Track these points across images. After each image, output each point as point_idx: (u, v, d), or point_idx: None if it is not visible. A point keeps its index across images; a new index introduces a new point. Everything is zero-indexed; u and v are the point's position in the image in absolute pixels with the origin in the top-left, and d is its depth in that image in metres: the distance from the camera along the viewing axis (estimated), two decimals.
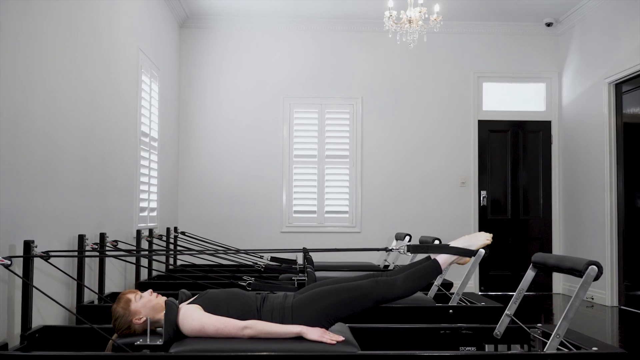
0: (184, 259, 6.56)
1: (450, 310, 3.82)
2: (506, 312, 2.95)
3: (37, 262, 3.36)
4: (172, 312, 2.67)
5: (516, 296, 2.95)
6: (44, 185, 3.64)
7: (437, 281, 4.37)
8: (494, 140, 8.13)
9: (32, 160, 3.48)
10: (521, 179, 8.14)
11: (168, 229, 6.68)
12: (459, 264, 3.17)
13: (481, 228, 7.98)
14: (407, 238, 6.40)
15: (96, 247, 4.32)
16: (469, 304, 3.99)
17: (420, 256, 5.81)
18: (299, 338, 2.65)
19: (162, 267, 6.45)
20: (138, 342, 2.64)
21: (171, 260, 6.79)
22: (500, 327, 2.97)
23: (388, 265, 6.65)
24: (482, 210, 8.03)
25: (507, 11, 7.70)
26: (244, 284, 4.27)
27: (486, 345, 3.21)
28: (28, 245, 3.23)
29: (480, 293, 7.83)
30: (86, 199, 4.37)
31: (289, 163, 7.84)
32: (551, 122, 8.10)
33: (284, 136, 7.89)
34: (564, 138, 7.96)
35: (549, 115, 8.12)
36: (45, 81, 3.68)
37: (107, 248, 4.47)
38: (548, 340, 2.64)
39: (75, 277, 4.05)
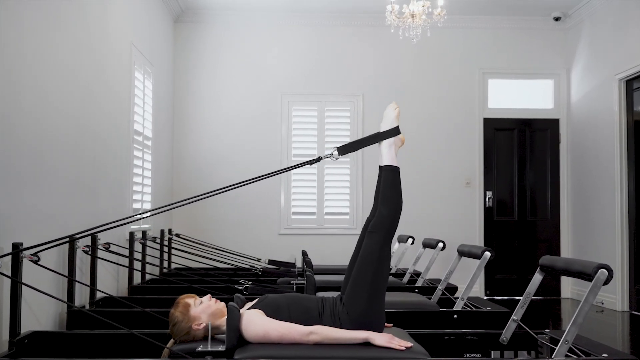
0: (178, 262, 6.56)
1: (455, 315, 3.82)
2: (513, 317, 2.95)
3: (26, 267, 3.35)
4: (234, 318, 2.66)
5: (523, 300, 2.95)
6: (33, 185, 3.63)
7: (441, 285, 4.37)
8: (500, 139, 8.13)
9: (21, 158, 3.48)
10: (528, 179, 8.14)
11: (162, 231, 6.68)
12: (400, 147, 3.20)
13: (487, 230, 7.98)
14: (410, 240, 6.41)
15: (87, 249, 4.32)
16: (474, 308, 3.99)
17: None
18: (366, 344, 2.62)
19: (156, 271, 6.44)
20: (199, 349, 2.63)
21: (165, 264, 6.78)
22: (507, 333, 2.97)
23: (390, 269, 6.64)
24: (487, 211, 8.03)
25: (514, 5, 7.70)
26: (241, 287, 4.26)
27: (492, 352, 3.21)
28: (17, 247, 3.23)
29: (485, 297, 7.83)
30: (77, 200, 4.36)
31: (287, 162, 7.83)
32: (559, 120, 8.10)
33: (282, 135, 7.88)
34: (573, 136, 7.96)
35: (557, 113, 8.11)
36: (35, 78, 3.67)
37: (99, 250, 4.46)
38: (556, 346, 2.63)
39: (66, 282, 4.05)
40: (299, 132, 7.90)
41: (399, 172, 3.07)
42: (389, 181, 3.05)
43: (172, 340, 2.83)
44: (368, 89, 8.01)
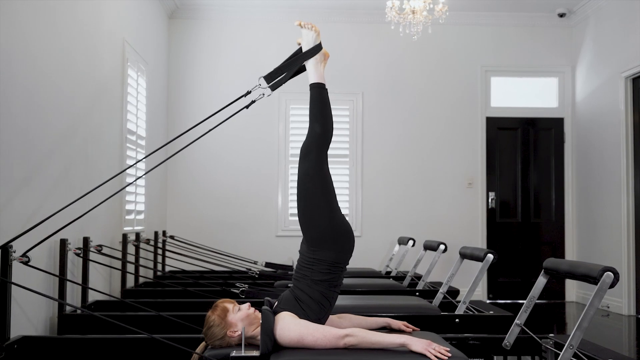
0: (173, 265, 6.55)
1: (457, 320, 3.81)
2: (516, 321, 2.95)
3: (16, 269, 3.34)
4: (269, 323, 2.67)
5: (527, 304, 2.94)
6: (22, 186, 3.63)
7: (443, 288, 4.36)
8: (502, 139, 8.13)
9: (9, 158, 3.47)
10: (532, 180, 8.14)
11: (156, 233, 6.67)
12: (325, 62, 3.23)
13: (490, 232, 7.98)
14: (411, 242, 6.41)
15: (79, 252, 4.31)
16: (476, 312, 3.98)
17: (424, 254, 5.78)
18: (403, 351, 2.59)
19: (150, 274, 6.43)
20: (233, 354, 2.64)
21: (159, 267, 6.77)
22: (510, 338, 2.96)
23: (390, 272, 6.65)
24: (490, 212, 8.03)
25: (517, 1, 7.70)
26: (237, 291, 4.25)
27: (495, 357, 3.21)
28: (6, 249, 3.22)
29: (488, 301, 7.83)
30: (68, 200, 4.35)
31: (285, 162, 7.83)
32: (564, 119, 8.10)
33: (279, 134, 7.88)
34: (578, 136, 7.96)
35: (562, 111, 8.12)
36: (25, 76, 3.67)
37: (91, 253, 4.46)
38: (561, 351, 2.63)
39: (57, 286, 4.04)
40: (296, 132, 7.90)
41: (325, 88, 3.15)
42: (317, 98, 3.13)
43: (202, 344, 2.84)
44: (367, 87, 8.01)
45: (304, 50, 3.18)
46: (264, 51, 7.92)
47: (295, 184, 2.98)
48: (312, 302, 2.80)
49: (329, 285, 2.84)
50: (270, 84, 3.18)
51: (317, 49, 3.16)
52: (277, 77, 3.18)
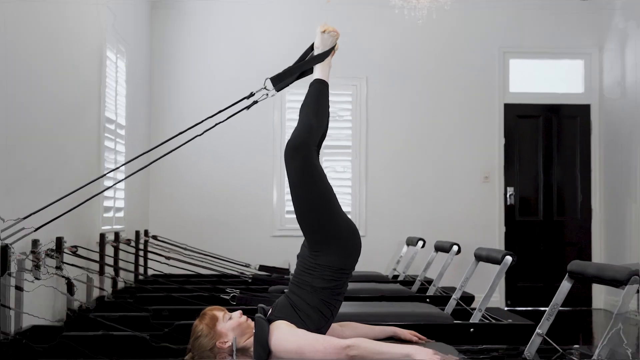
0: (156, 268, 6.54)
1: (472, 329, 3.82)
2: (537, 330, 2.95)
3: None
4: (263, 333, 2.67)
5: (549, 312, 2.94)
6: None
7: (456, 294, 4.36)
8: (522, 128, 8.12)
9: None
10: (555, 174, 8.13)
11: (137, 233, 6.66)
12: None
13: (508, 231, 7.97)
14: (421, 243, 6.40)
15: (52, 253, 4.29)
16: (493, 321, 3.99)
17: (433, 257, 5.76)
18: None
19: (131, 277, 6.42)
20: None
21: (141, 270, 6.76)
22: (531, 349, 2.96)
23: (398, 275, 6.65)
24: (508, 210, 8.02)
25: None
26: (227, 297, 4.25)
27: None
28: None
29: (506, 308, 7.83)
30: (39, 196, 4.34)
31: (280, 155, 7.79)
32: (590, 105, 8.09)
33: (274, 123, 7.86)
34: (606, 125, 7.94)
35: (588, 98, 8.10)
36: None
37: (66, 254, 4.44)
38: None
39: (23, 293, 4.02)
40: (294, 121, 7.84)
41: (327, 87, 3.20)
42: (319, 92, 3.19)
43: (189, 356, 2.83)
44: (372, 71, 7.99)
45: (316, 51, 3.19)
46: (256, 33, 7.90)
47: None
48: (311, 310, 2.79)
49: (331, 293, 2.83)
50: (277, 87, 3.16)
51: (328, 53, 3.28)
52: (285, 78, 3.16)
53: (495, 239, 7.91)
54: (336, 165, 7.85)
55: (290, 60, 8.06)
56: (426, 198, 7.89)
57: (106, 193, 5.84)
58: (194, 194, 7.77)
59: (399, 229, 7.78)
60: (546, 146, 8.14)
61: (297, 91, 7.86)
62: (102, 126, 5.73)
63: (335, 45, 3.22)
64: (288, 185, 2.94)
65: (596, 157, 8.05)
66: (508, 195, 8.04)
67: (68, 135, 4.93)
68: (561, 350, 3.04)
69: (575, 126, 8.13)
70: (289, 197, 7.58)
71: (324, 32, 3.19)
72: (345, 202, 7.86)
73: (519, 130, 8.11)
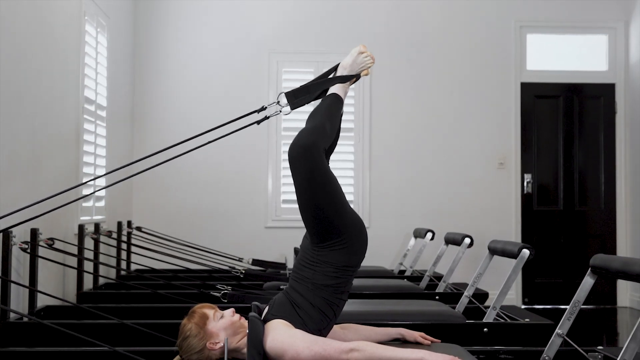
0: (140, 263, 6.54)
1: (485, 329, 3.83)
2: (557, 330, 2.95)
3: None
4: (257, 333, 2.67)
5: (570, 310, 2.94)
6: None
7: (468, 291, 4.36)
8: (541, 109, 8.11)
9: None
10: (577, 159, 8.13)
11: (120, 224, 6.67)
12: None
13: (525, 221, 7.97)
14: (430, 235, 6.40)
15: (26, 246, 4.29)
16: (509, 320, 4.00)
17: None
18: None
19: (112, 273, 6.43)
20: None
21: (124, 264, 6.77)
22: (550, 351, 2.96)
23: (404, 271, 6.66)
24: (526, 199, 8.02)
25: None
26: (218, 294, 4.25)
27: None
28: None
29: (523, 306, 7.85)
30: (12, 183, 4.33)
31: (276, 139, 7.80)
32: (615, 85, 8.08)
33: (270, 102, 7.83)
34: (632, 106, 7.93)
35: (613, 76, 8.09)
36: None
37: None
38: None
39: None
40: None
41: (343, 103, 3.16)
42: (335, 105, 3.11)
43: (177, 358, 2.84)
44: (376, 47, 7.93)
45: (342, 71, 3.19)
46: (250, 3, 7.86)
47: (289, 169, 2.93)
48: (312, 310, 2.79)
49: (334, 291, 2.83)
50: (293, 104, 3.12)
51: (357, 76, 3.20)
52: (301, 95, 3.12)
53: (511, 231, 7.91)
54: (336, 149, 7.83)
55: (292, 30, 8.10)
56: (435, 186, 7.88)
57: (86, 179, 5.84)
58: (181, 181, 7.76)
59: (405, 219, 7.78)
60: (567, 129, 8.13)
61: (294, 69, 7.85)
62: (81, 107, 5.72)
63: (364, 72, 3.17)
64: (288, 177, 2.93)
65: (621, 141, 8.04)
66: (525, 183, 8.04)
67: (44, 115, 4.92)
68: (583, 352, 3.04)
69: (598, 107, 8.11)
70: (286, 184, 7.65)
71: (361, 53, 3.15)
72: (347, 191, 7.85)
73: (537, 111, 8.10)
